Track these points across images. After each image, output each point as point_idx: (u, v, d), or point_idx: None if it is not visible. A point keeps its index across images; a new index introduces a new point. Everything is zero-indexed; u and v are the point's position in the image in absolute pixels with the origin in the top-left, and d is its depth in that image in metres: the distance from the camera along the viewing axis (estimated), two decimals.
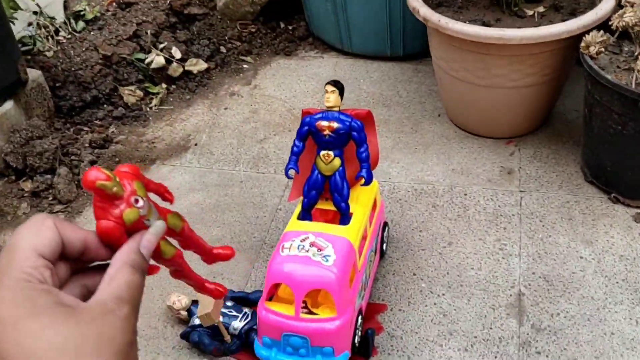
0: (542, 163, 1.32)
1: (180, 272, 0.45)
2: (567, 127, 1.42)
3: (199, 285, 0.48)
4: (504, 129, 1.37)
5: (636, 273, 1.06)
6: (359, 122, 0.98)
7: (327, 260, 0.90)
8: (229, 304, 1.07)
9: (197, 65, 1.71)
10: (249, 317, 1.05)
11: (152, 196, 0.41)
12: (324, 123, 0.98)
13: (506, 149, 1.37)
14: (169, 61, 1.67)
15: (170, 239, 0.43)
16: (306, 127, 0.99)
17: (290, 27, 1.90)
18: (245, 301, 1.10)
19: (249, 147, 1.48)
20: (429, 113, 1.51)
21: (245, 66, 1.78)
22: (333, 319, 0.90)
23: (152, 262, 0.40)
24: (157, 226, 0.40)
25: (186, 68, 1.69)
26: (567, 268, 1.09)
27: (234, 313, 1.05)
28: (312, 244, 0.93)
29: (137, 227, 0.39)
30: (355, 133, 0.97)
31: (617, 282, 1.06)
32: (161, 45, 1.69)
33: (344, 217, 1.00)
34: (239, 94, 1.67)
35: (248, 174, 1.40)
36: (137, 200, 0.39)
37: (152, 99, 1.65)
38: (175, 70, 1.67)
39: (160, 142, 1.53)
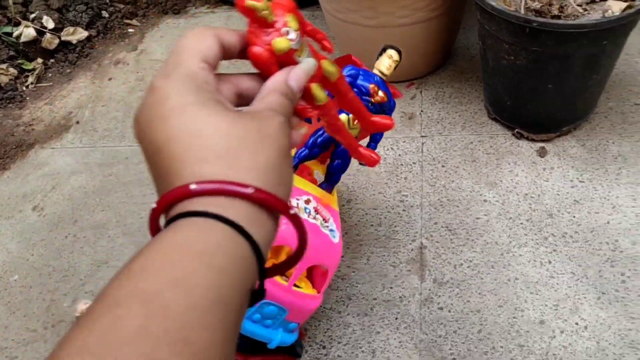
0: (444, 104, 1.25)
1: (334, 126, 0.46)
2: (469, 62, 1.34)
3: (353, 147, 0.49)
4: (403, 72, 1.28)
5: (540, 211, 1.00)
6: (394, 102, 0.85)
7: (334, 237, 0.80)
8: None
9: (75, 35, 1.56)
10: None
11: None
12: (380, 92, 0.82)
13: (407, 92, 1.29)
14: (41, 33, 1.52)
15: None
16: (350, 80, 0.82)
17: None
18: None
19: None
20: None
21: (130, 30, 1.64)
22: (316, 297, 0.80)
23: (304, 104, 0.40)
24: (308, 62, 0.39)
25: (63, 38, 1.54)
26: (470, 214, 1.03)
27: None
28: (316, 211, 0.81)
29: (288, 60, 0.38)
30: (390, 112, 0.84)
31: (522, 223, 1.00)
32: (32, 16, 1.53)
33: (329, 186, 0.87)
34: (124, 62, 1.54)
35: (134, 149, 1.28)
36: (288, 32, 0.38)
37: (27, 76, 1.50)
38: (50, 42, 1.52)
39: (39, 123, 1.40)
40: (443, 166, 1.12)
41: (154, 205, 0.31)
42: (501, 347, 0.85)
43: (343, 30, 1.24)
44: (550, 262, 0.94)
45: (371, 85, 0.81)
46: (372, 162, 0.53)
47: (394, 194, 1.09)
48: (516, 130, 1.13)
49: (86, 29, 1.58)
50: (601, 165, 1.06)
